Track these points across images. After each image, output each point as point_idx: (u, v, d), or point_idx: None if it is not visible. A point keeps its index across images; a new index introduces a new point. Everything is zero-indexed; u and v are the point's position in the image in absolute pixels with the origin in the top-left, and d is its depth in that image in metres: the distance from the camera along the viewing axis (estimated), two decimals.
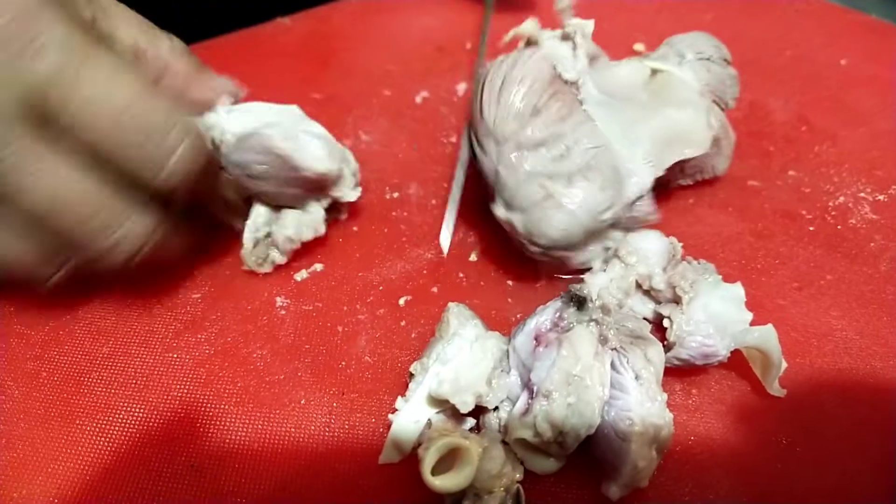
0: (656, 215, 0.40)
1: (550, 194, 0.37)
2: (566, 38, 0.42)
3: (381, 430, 0.35)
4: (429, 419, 0.33)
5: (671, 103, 0.41)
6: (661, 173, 0.40)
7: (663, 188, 0.47)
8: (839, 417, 0.36)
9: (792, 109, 0.57)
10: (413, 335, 0.40)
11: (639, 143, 0.40)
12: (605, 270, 0.39)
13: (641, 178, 0.39)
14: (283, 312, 0.41)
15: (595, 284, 0.37)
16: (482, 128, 0.39)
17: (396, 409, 0.34)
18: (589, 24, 0.42)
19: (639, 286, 0.38)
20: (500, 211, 0.39)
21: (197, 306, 0.41)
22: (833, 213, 0.47)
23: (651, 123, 0.40)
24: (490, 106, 0.39)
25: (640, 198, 0.39)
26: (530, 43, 0.42)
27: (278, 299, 0.42)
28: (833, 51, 0.64)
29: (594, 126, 0.39)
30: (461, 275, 0.43)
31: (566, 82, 0.40)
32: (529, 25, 0.42)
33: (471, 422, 0.34)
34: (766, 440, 0.35)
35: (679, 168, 0.44)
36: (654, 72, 0.43)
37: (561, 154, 0.38)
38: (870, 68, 0.62)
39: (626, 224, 0.40)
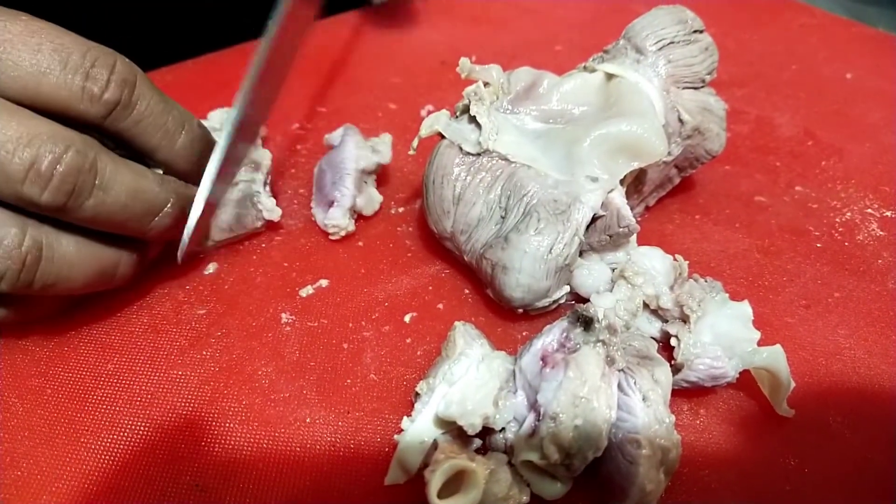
0: (637, 226, 0.39)
1: (494, 263, 0.38)
2: (465, 110, 0.42)
3: (387, 449, 0.35)
4: (434, 440, 0.32)
5: (623, 112, 0.40)
6: (614, 186, 0.39)
7: (662, 189, 0.47)
8: (848, 438, 0.36)
9: (798, 124, 0.57)
10: (419, 353, 0.40)
11: (584, 162, 0.39)
12: (611, 291, 0.38)
13: (589, 198, 0.38)
14: (288, 329, 0.41)
15: (601, 305, 0.37)
16: (437, 231, 0.42)
17: (402, 430, 0.33)
18: (489, 76, 0.42)
19: (646, 305, 0.38)
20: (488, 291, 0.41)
21: (202, 322, 0.41)
22: (840, 229, 0.47)
23: (596, 138, 0.39)
24: (433, 209, 0.42)
25: (600, 217, 0.39)
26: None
27: (283, 315, 0.42)
28: (838, 65, 0.64)
29: (526, 171, 0.39)
30: (466, 291, 0.43)
31: (478, 154, 0.40)
32: (428, 122, 0.42)
33: (477, 442, 0.34)
34: (775, 461, 0.35)
35: (671, 165, 0.44)
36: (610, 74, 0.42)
37: (501, 216, 0.39)
38: (875, 82, 0.62)
39: (609, 243, 0.40)
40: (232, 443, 0.35)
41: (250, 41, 0.67)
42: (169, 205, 0.37)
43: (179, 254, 0.38)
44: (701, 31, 0.44)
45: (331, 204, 0.46)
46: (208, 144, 0.40)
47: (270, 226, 0.47)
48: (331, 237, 0.46)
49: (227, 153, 0.38)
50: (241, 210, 0.45)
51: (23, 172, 0.32)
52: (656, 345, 0.37)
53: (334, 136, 0.50)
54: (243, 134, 0.40)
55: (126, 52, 0.37)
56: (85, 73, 0.34)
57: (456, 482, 0.30)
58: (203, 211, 0.37)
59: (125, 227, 0.37)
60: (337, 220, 0.45)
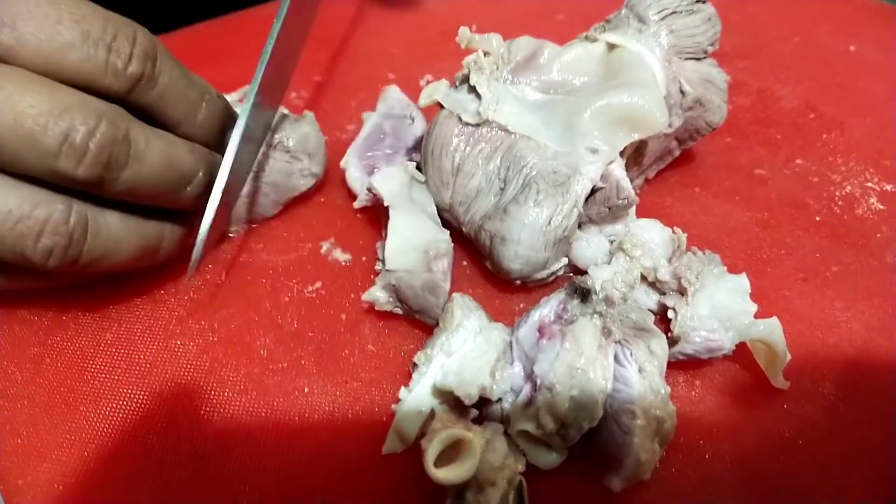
0: (636, 198, 0.39)
1: (493, 234, 0.38)
2: (465, 80, 0.41)
3: (385, 419, 0.35)
4: (432, 410, 0.33)
5: (625, 83, 0.39)
6: (614, 158, 0.39)
7: (662, 161, 0.46)
8: (842, 410, 0.36)
9: (800, 97, 0.56)
10: (416, 324, 0.40)
11: (584, 133, 0.38)
12: (609, 263, 0.38)
13: (588, 170, 0.38)
14: (286, 299, 0.41)
15: (599, 277, 0.37)
16: (436, 202, 0.42)
17: (400, 400, 0.34)
18: (489, 45, 0.41)
19: (643, 278, 0.38)
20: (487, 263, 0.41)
21: (201, 292, 0.41)
22: (840, 203, 0.47)
23: (596, 109, 0.38)
24: (432, 181, 0.41)
25: (599, 189, 0.39)
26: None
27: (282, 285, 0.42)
28: (841, 37, 0.63)
29: (526, 142, 0.39)
30: (464, 263, 0.43)
31: (477, 125, 0.40)
32: (427, 91, 0.42)
33: (473, 412, 0.34)
34: (770, 432, 0.35)
35: (671, 137, 0.44)
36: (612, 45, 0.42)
37: (500, 188, 0.39)
38: (879, 55, 0.61)
39: (608, 216, 0.40)
40: (230, 412, 0.36)
41: (251, 8, 0.66)
42: (201, 172, 0.37)
43: (190, 270, 0.36)
44: (703, 2, 0.43)
45: (371, 171, 0.45)
46: (229, 116, 0.40)
47: None
48: (355, 205, 0.45)
49: (246, 131, 0.37)
50: (283, 178, 0.44)
51: (57, 146, 0.31)
52: (653, 317, 0.37)
53: (392, 104, 0.49)
54: (263, 109, 0.40)
55: (144, 14, 0.36)
56: (107, 47, 0.33)
57: (452, 451, 0.31)
58: (217, 211, 0.36)
59: (159, 198, 0.36)
60: (379, 184, 0.42)
